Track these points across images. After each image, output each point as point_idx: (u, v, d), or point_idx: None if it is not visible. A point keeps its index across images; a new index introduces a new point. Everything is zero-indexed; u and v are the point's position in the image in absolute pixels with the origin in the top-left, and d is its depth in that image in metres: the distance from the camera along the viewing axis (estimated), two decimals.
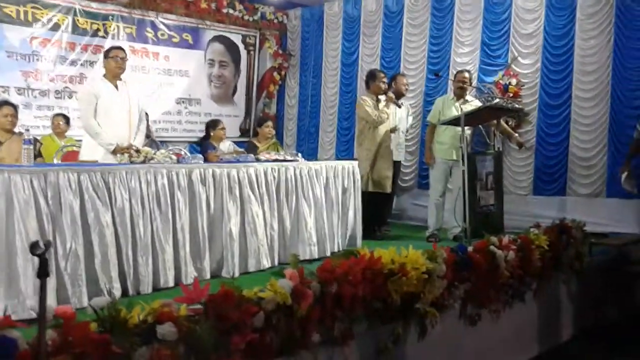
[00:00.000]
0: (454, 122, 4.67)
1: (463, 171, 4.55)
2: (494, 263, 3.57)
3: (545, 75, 6.22)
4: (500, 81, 6.39)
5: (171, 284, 3.72)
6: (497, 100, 5.26)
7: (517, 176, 6.30)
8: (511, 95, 6.21)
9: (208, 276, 3.99)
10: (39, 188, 3.14)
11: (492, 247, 3.57)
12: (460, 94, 5.58)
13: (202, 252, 3.97)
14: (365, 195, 5.35)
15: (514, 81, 6.32)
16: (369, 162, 5.62)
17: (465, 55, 6.80)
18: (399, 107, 6.06)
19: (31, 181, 3.12)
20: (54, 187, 3.21)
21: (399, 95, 6.15)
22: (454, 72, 6.20)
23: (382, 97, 5.74)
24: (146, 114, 5.36)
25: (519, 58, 6.35)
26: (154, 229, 3.66)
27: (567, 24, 6.08)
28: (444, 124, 4.84)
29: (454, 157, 5.40)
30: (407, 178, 7.23)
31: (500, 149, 5.08)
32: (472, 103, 5.52)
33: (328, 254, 4.82)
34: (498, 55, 6.56)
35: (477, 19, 6.72)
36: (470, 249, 3.48)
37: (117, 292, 3.41)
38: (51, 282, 3.08)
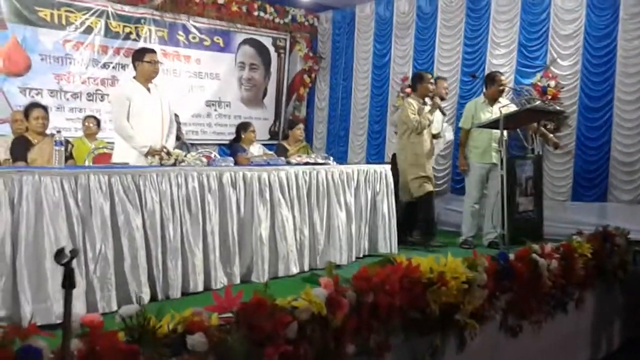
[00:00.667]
0: (492, 125, 4.50)
1: (502, 175, 4.37)
2: (536, 272, 3.41)
3: (585, 77, 6.01)
4: (539, 83, 6.19)
5: (200, 288, 3.65)
6: (538, 102, 5.06)
7: (556, 181, 6.08)
8: (550, 97, 6.02)
9: (238, 281, 3.90)
10: (69, 190, 3.10)
11: (534, 255, 3.41)
12: (497, 97, 5.41)
13: (232, 256, 3.88)
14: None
15: (552, 83, 6.12)
16: (416, 167, 5.38)
17: (501, 57, 6.61)
18: (444, 114, 5.88)
19: (61, 183, 3.07)
20: (85, 189, 3.16)
21: (440, 99, 6.03)
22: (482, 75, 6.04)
23: (428, 101, 5.57)
24: (176, 115, 5.33)
25: (558, 60, 6.14)
26: (183, 233, 3.60)
27: (610, 24, 5.86)
28: (480, 126, 4.67)
29: (493, 161, 5.20)
30: (439, 182, 7.05)
31: (540, 153, 4.88)
32: (508, 106, 5.35)
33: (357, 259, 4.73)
34: (536, 57, 6.36)
35: (514, 20, 6.54)
36: (511, 257, 3.32)
37: (146, 297, 3.34)
38: (80, 286, 3.03)
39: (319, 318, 2.20)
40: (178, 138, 6.01)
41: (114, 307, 3.16)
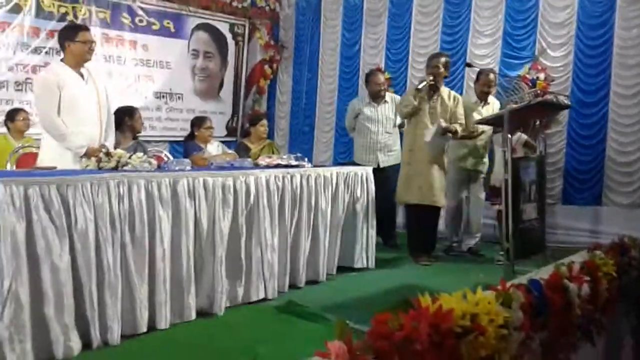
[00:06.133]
0: (494, 121, 3.88)
1: (506, 180, 3.76)
2: (566, 300, 2.78)
3: (578, 69, 5.51)
4: (527, 75, 5.65)
5: (144, 329, 2.86)
6: (549, 95, 4.53)
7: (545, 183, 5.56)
8: (539, 91, 5.48)
9: (193, 316, 3.14)
10: None
11: (565, 280, 2.77)
12: (484, 97, 4.91)
13: (187, 284, 3.10)
14: None
15: (542, 76, 5.61)
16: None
17: (484, 46, 6.05)
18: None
19: None
20: None
21: (376, 96, 5.42)
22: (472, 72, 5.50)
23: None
24: (132, 108, 4.55)
25: (548, 50, 5.62)
26: (126, 258, 2.80)
27: (605, 11, 5.38)
28: (480, 123, 4.06)
29: (478, 167, 4.91)
30: None
31: (543, 153, 4.32)
32: (494, 105, 4.92)
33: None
34: (523, 47, 5.83)
35: (498, 7, 6.00)
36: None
37: (77, 346, 2.54)
38: None
39: None
40: (134, 137, 5.15)
41: None
